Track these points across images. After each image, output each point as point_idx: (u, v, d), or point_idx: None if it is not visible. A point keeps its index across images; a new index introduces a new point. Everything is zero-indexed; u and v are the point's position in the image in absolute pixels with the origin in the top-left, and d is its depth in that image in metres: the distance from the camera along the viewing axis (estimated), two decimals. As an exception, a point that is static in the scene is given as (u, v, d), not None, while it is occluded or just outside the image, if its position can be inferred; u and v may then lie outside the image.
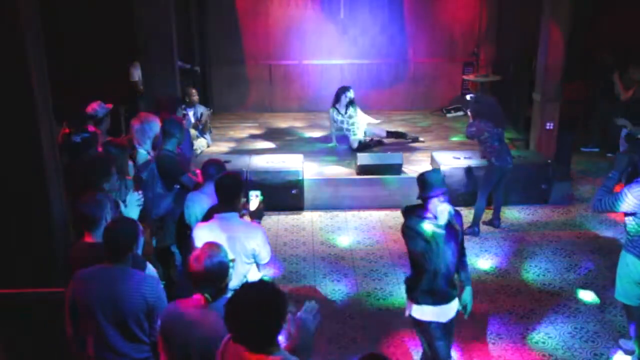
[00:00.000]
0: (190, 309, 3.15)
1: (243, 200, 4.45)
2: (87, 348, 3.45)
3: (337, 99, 9.02)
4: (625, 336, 5.24)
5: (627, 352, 5.09)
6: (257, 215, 4.53)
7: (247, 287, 2.72)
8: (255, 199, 4.56)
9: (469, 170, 7.84)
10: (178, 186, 5.45)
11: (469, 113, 7.56)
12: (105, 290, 3.36)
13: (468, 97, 9.14)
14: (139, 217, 4.40)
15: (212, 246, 3.24)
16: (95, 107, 6.00)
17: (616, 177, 4.74)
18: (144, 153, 5.50)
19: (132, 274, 3.43)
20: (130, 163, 5.36)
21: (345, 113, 9.00)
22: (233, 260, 3.29)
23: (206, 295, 3.11)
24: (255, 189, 4.77)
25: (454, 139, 9.86)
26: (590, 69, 9.98)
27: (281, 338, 2.77)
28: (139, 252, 3.64)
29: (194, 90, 9.00)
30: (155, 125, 5.58)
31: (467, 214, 7.76)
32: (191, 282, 3.19)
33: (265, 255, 4.26)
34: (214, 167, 4.88)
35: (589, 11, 10.18)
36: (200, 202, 4.80)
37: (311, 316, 2.95)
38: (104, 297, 3.35)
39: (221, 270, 3.16)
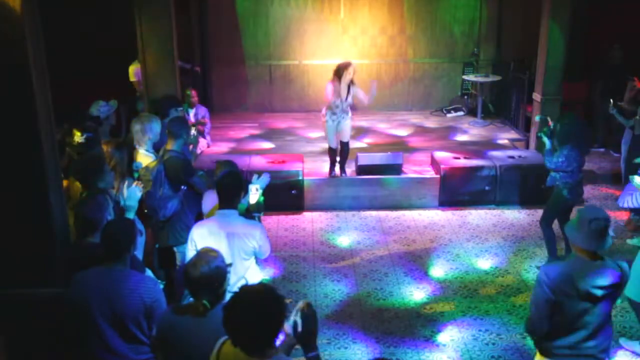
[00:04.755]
0: (188, 316, 3.11)
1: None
2: (87, 349, 3.45)
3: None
4: (626, 336, 5.25)
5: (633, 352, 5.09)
6: (256, 209, 4.53)
7: (246, 290, 2.71)
8: (255, 193, 4.56)
9: (469, 171, 7.84)
10: (185, 187, 5.44)
11: (551, 131, 6.15)
12: (102, 291, 3.36)
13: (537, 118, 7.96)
14: (143, 218, 4.40)
15: (208, 252, 3.20)
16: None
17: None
18: (143, 154, 5.49)
19: (129, 276, 3.42)
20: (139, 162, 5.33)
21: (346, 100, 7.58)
22: (230, 265, 3.27)
23: (205, 302, 3.07)
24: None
25: (454, 139, 9.86)
26: (593, 68, 9.94)
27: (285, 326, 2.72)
28: (140, 254, 3.63)
29: (193, 92, 8.99)
30: (156, 125, 5.57)
31: (467, 214, 7.77)
32: (188, 290, 3.15)
33: (265, 250, 4.30)
34: (227, 167, 4.92)
35: (589, 11, 10.17)
36: (213, 200, 4.81)
37: (312, 309, 2.88)
38: (102, 298, 3.35)
39: (219, 275, 3.13)
